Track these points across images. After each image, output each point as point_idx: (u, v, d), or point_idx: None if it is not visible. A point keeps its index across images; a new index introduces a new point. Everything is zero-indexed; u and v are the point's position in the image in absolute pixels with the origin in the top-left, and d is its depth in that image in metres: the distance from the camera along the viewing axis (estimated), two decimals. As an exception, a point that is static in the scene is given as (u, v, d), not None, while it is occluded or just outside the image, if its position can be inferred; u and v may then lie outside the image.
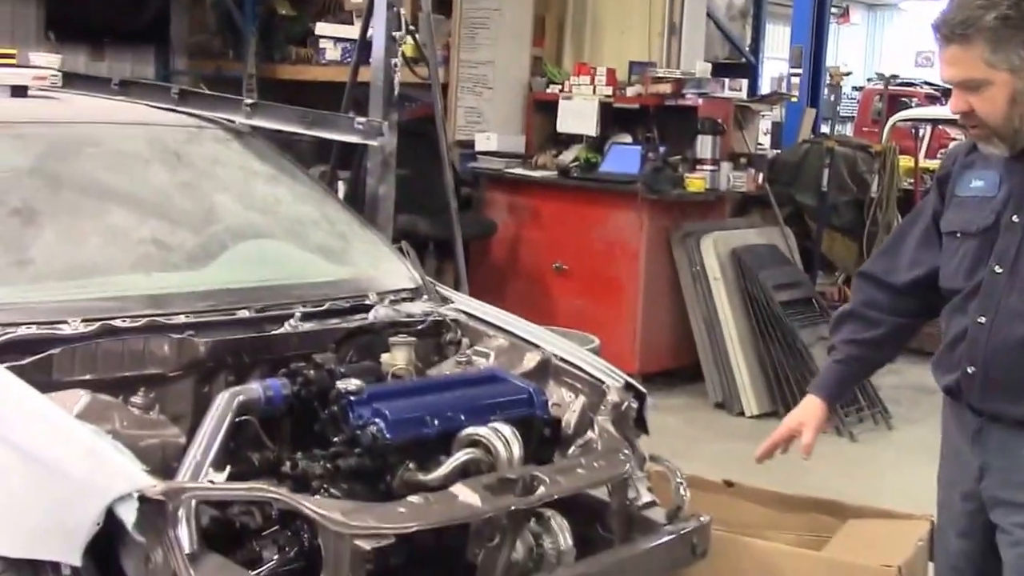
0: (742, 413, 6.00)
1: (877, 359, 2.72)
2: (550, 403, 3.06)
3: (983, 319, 2.32)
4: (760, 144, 7.16)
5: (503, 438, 2.59)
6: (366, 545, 2.25)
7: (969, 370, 2.35)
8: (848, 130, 13.35)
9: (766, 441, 2.72)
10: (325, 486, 2.54)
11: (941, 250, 2.46)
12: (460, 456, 2.57)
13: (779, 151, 7.66)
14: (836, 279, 7.63)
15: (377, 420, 2.59)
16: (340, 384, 2.71)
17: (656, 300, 6.20)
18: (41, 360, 2.64)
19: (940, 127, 9.62)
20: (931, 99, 12.80)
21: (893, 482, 4.94)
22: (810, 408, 2.70)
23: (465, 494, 2.41)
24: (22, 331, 2.65)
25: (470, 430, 2.62)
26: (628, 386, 3.13)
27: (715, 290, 6.08)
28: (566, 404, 3.09)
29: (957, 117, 2.35)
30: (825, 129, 9.54)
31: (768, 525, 3.71)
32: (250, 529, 2.51)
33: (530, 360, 3.19)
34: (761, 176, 6.68)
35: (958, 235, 2.40)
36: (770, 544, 3.40)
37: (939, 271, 2.46)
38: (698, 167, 6.31)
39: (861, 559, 3.28)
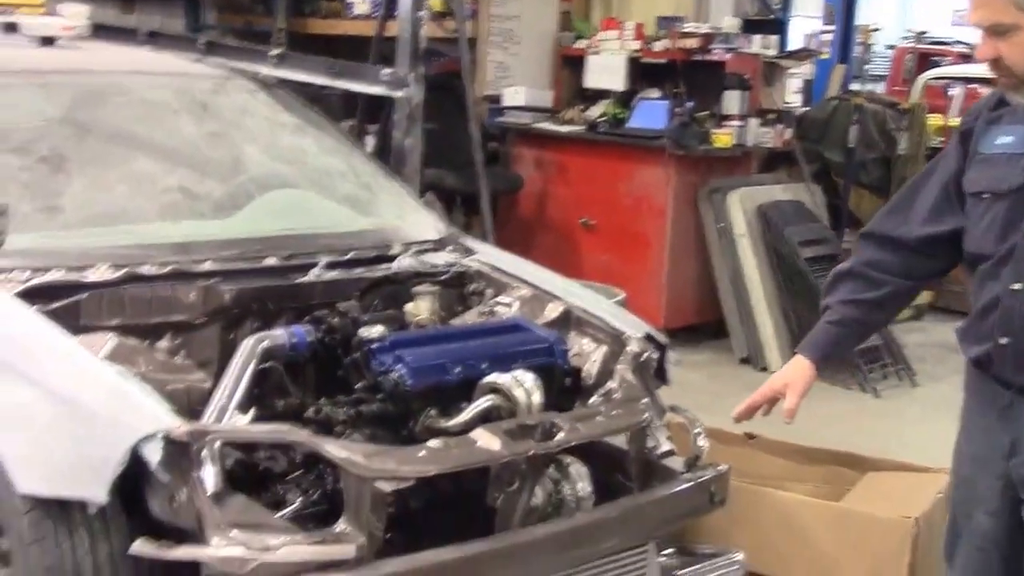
0: (766, 368, 5.97)
1: (872, 322, 2.55)
2: (571, 353, 3.07)
3: (1017, 286, 2.16)
4: (788, 102, 7.05)
5: (524, 386, 2.60)
6: (386, 488, 2.27)
7: (1002, 341, 2.19)
8: (880, 89, 13.16)
9: (746, 400, 2.54)
10: (348, 431, 2.56)
11: (964, 211, 2.29)
12: (481, 403, 2.58)
13: (807, 107, 7.56)
14: (863, 237, 7.55)
15: (399, 367, 2.60)
16: (363, 331, 2.72)
17: (682, 256, 6.17)
18: (69, 305, 2.68)
19: (972, 86, 9.45)
20: (964, 58, 12.57)
21: (916, 438, 4.92)
22: (797, 369, 2.49)
23: (484, 439, 2.42)
24: (51, 276, 2.69)
25: (491, 377, 2.62)
26: (649, 337, 3.12)
27: (740, 246, 6.04)
28: (587, 354, 3.09)
29: (986, 69, 2.21)
30: (856, 87, 9.41)
31: (788, 477, 3.72)
32: (275, 473, 2.54)
33: (552, 310, 3.19)
34: (788, 132, 6.60)
35: (985, 195, 2.23)
36: (788, 495, 3.40)
37: (958, 233, 2.30)
38: (725, 123, 6.24)
39: (879, 510, 3.27)
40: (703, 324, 6.39)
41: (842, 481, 3.67)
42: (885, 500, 3.39)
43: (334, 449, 2.27)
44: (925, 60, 12.55)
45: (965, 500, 2.38)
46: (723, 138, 6.13)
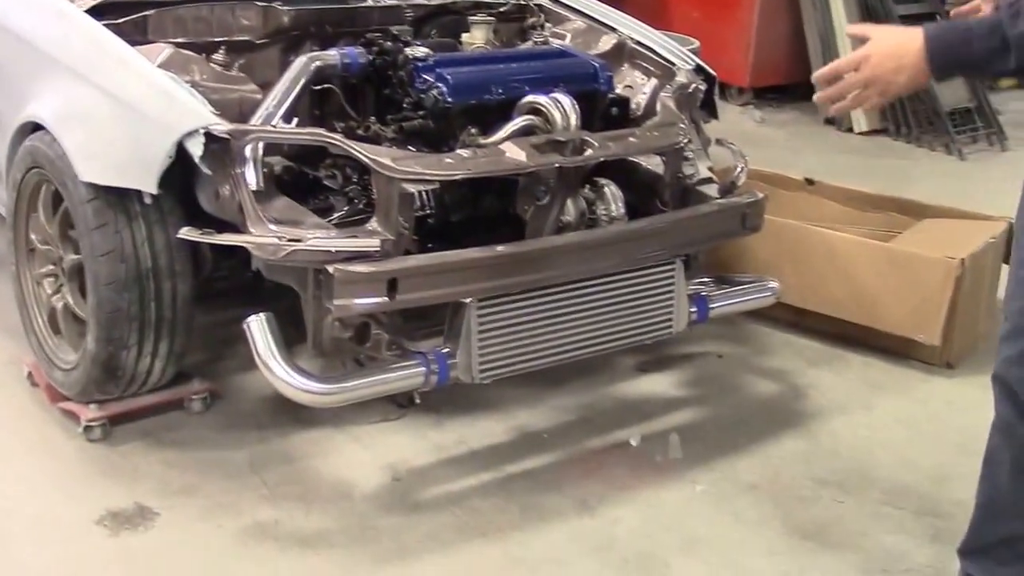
0: (851, 130, 5.76)
1: None
2: (622, 85, 3.00)
3: None
4: None
5: (561, 106, 2.55)
6: (412, 189, 2.30)
7: None
8: None
9: None
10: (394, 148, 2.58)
11: None
12: (518, 122, 2.55)
13: None
14: (970, -1, 6.99)
15: (440, 84, 2.59)
16: (408, 50, 2.70)
17: (772, 13, 5.87)
18: (136, 20, 2.74)
19: None
20: None
21: (996, 197, 4.66)
22: None
23: (512, 150, 2.42)
24: (120, -9, 2.74)
25: (530, 98, 2.59)
26: (699, 69, 3.02)
27: (832, 2, 5.69)
28: (638, 86, 3.03)
29: None
30: None
31: (845, 221, 3.64)
32: (327, 187, 2.61)
33: (606, 43, 3.13)
34: None
35: None
36: (836, 234, 3.34)
37: None
38: None
39: (926, 251, 3.18)
40: (791, 85, 6.13)
41: (898, 226, 3.58)
42: (935, 242, 3.30)
43: (365, 151, 2.29)
44: None
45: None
46: None
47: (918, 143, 5.64)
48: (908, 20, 5.66)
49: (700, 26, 5.70)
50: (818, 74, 1.80)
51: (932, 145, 5.59)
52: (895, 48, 1.70)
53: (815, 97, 1.85)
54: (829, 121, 5.86)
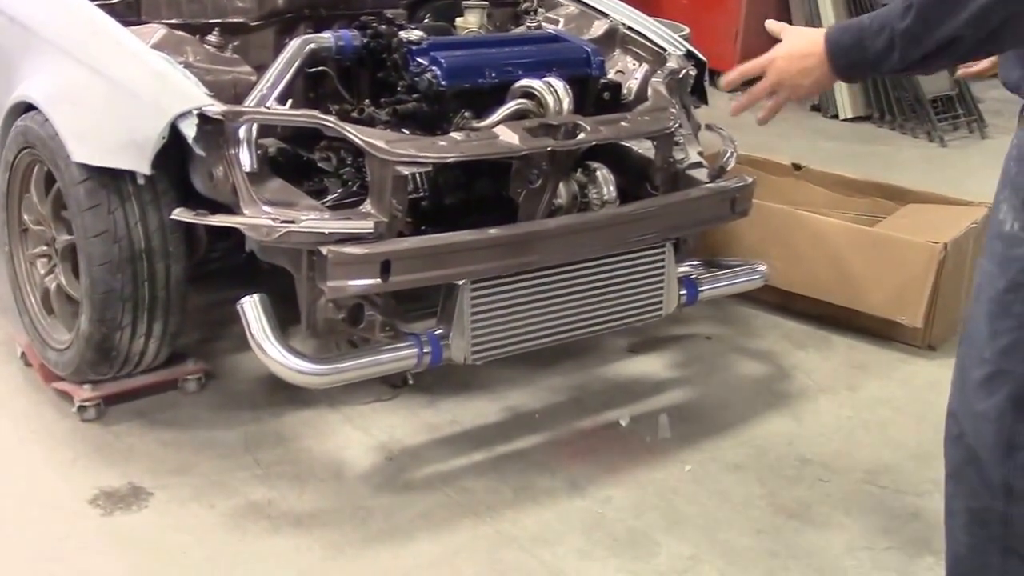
0: (836, 116, 5.72)
1: None
2: (614, 70, 2.95)
3: None
4: None
5: (554, 91, 2.50)
6: (406, 171, 2.25)
7: None
8: None
9: None
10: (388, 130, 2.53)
11: None
12: (511, 105, 2.50)
13: None
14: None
15: (434, 68, 2.54)
16: (403, 34, 2.64)
17: (759, 0, 5.81)
18: (130, 1, 2.69)
19: None
20: None
21: (975, 183, 4.65)
22: None
23: (505, 134, 2.37)
24: (113, -25, 2.66)
25: (523, 82, 2.54)
26: (689, 55, 2.97)
27: (820, -10, 5.65)
28: (629, 72, 2.97)
29: None
30: None
31: (830, 205, 3.61)
32: (324, 170, 2.55)
33: (598, 28, 3.08)
34: None
35: None
36: (822, 218, 3.30)
37: None
38: None
39: (910, 235, 3.15)
40: (778, 71, 6.08)
41: (882, 211, 3.55)
42: (918, 227, 3.27)
43: (359, 134, 2.24)
44: None
45: None
46: None
47: (901, 130, 5.61)
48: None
49: (690, 13, 5.65)
50: (726, 80, 1.70)
51: (915, 132, 5.56)
52: (800, 50, 1.58)
53: (731, 112, 1.74)
54: (816, 108, 5.82)
